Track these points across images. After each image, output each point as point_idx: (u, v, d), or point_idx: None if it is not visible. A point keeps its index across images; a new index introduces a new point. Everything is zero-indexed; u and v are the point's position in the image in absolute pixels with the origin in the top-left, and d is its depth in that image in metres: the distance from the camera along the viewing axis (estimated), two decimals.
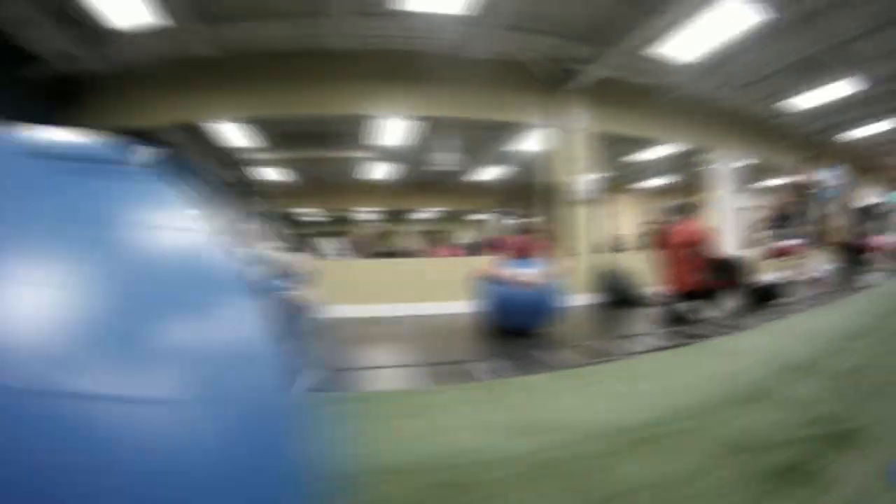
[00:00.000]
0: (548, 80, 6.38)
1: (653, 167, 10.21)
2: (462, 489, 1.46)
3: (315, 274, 3.69)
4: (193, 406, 0.56)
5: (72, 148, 0.71)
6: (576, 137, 6.58)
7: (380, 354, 3.83)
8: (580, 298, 6.02)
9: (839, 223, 10.14)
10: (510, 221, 4.46)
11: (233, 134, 7.46)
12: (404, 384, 2.73)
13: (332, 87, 5.95)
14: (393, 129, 7.26)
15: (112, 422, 0.51)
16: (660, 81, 6.84)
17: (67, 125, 0.82)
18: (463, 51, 5.86)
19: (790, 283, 5.37)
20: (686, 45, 5.77)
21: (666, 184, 12.10)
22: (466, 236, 13.87)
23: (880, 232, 7.84)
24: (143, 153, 0.73)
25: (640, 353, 3.32)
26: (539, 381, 2.64)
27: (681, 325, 4.05)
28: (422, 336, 4.60)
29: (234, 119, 6.64)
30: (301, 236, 9.48)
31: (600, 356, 3.23)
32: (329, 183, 11.23)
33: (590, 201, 6.52)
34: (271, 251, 3.36)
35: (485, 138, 8.39)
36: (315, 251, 8.20)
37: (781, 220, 6.03)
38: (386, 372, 3.02)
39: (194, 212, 0.71)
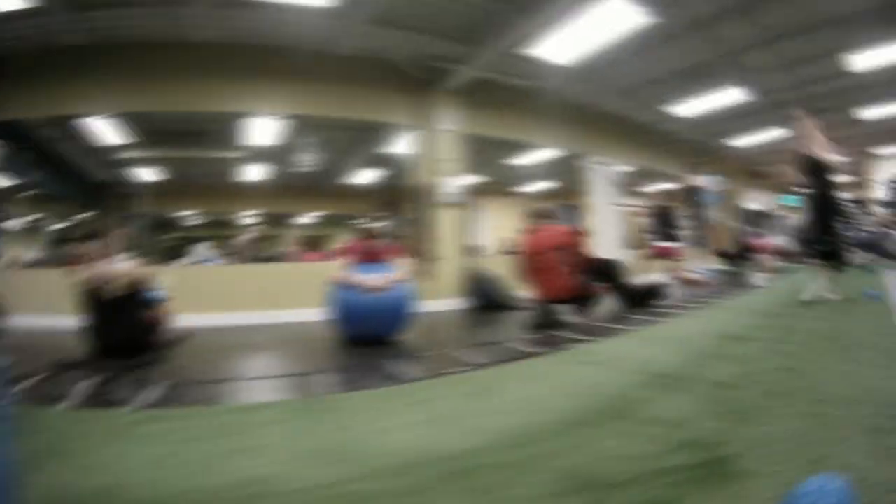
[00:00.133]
0: (418, 80, 6.26)
1: (532, 171, 10.18)
2: None
3: (169, 284, 3.59)
4: None
5: None
6: (445, 139, 6.46)
7: (218, 367, 3.30)
8: (444, 304, 6.03)
9: (725, 226, 10.83)
10: (365, 225, 4.11)
11: (103, 129, 6.55)
12: (228, 400, 2.32)
13: (200, 82, 5.57)
14: (264, 128, 6.75)
15: None
16: (536, 84, 6.78)
17: None
18: (331, 47, 5.66)
19: (671, 286, 5.28)
20: (564, 46, 5.68)
21: (547, 188, 12.20)
22: (343, 241, 13.49)
23: (766, 234, 8.27)
24: None
25: (494, 363, 2.89)
26: (366, 398, 2.22)
27: (547, 332, 3.83)
28: (267, 346, 4.20)
29: (102, 113, 5.89)
30: (176, 241, 9.12)
31: (448, 367, 2.82)
32: (205, 185, 10.47)
33: (459, 205, 6.45)
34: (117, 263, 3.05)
35: (357, 139, 8.15)
36: (169, 259, 7.78)
37: (664, 223, 6.01)
38: (211, 387, 2.58)
39: None
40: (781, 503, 1.06)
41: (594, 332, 3.73)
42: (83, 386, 2.35)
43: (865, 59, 6.57)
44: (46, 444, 1.62)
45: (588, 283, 4.48)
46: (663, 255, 5.94)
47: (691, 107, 8.14)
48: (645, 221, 7.73)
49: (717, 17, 5.58)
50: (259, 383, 2.65)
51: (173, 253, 8.43)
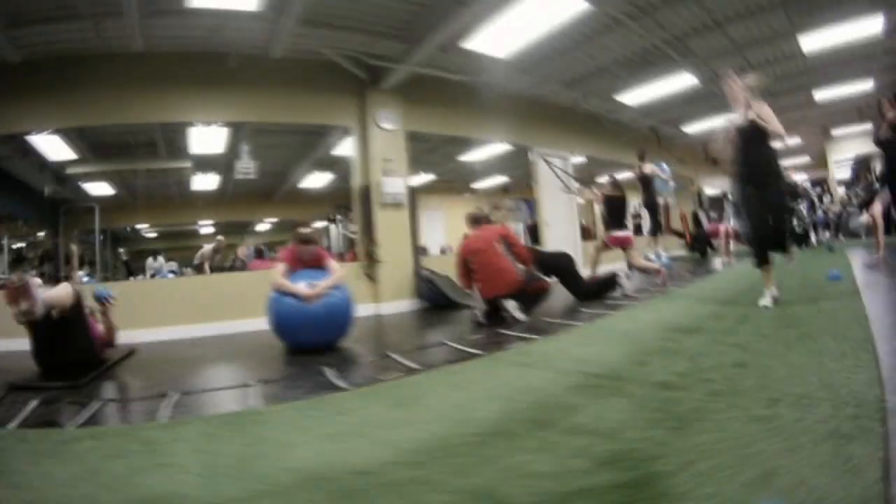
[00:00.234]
0: (359, 80, 6.06)
1: (483, 167, 9.97)
2: None
3: (111, 299, 3.76)
4: None
5: None
6: (388, 138, 6.26)
7: (155, 383, 2.95)
8: (392, 306, 5.89)
9: (681, 213, 10.81)
10: (299, 230, 3.81)
11: (51, 146, 6.11)
12: (158, 416, 2.16)
13: (138, 93, 5.29)
14: (208, 137, 6.42)
15: None
16: (477, 78, 6.62)
17: None
18: (266, 51, 5.45)
19: (626, 275, 5.07)
20: (503, 39, 5.47)
21: (498, 184, 12.09)
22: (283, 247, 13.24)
23: (723, 220, 8.22)
24: None
25: (428, 368, 2.64)
26: (289, 411, 2.05)
27: (491, 331, 3.65)
28: (209, 359, 3.90)
29: (45, 130, 5.49)
30: (134, 255, 8.72)
31: (382, 374, 2.60)
32: (159, 196, 9.95)
33: (404, 205, 6.28)
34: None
35: (304, 143, 7.93)
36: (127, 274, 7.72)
37: (617, 213, 5.83)
38: (143, 404, 2.46)
39: None
40: None
41: (540, 329, 3.48)
42: (29, 407, 2.34)
43: (815, 41, 6.57)
44: None
45: (535, 278, 4.27)
46: (618, 244, 5.75)
47: (640, 94, 8.03)
48: (598, 211, 7.56)
49: (660, 3, 5.44)
50: (191, 398, 2.46)
51: (132, 267, 8.18)
